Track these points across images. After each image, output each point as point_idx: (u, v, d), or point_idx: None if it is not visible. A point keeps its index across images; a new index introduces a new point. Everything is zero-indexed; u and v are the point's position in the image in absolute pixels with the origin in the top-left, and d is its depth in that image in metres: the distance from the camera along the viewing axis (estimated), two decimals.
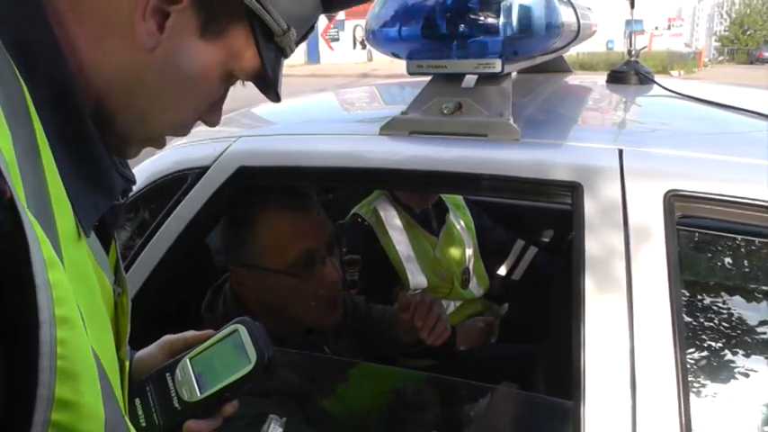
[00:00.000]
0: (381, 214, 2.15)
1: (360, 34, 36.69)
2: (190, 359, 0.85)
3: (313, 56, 40.25)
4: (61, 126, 0.54)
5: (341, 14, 38.51)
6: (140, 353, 0.93)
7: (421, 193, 2.16)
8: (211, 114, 0.70)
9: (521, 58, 1.34)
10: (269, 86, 0.69)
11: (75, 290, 0.49)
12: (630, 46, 1.81)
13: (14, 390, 0.45)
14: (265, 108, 2.11)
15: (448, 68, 1.29)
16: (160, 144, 0.70)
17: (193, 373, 0.84)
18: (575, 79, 2.14)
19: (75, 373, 0.47)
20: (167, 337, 0.95)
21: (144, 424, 0.83)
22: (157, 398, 0.84)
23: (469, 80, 1.33)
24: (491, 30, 1.24)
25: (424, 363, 1.95)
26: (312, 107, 2.14)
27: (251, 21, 0.63)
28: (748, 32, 47.81)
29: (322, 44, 40.16)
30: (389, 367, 1.56)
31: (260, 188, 1.48)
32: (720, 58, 50.05)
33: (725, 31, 54.56)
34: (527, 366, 1.80)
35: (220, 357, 0.84)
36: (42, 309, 0.44)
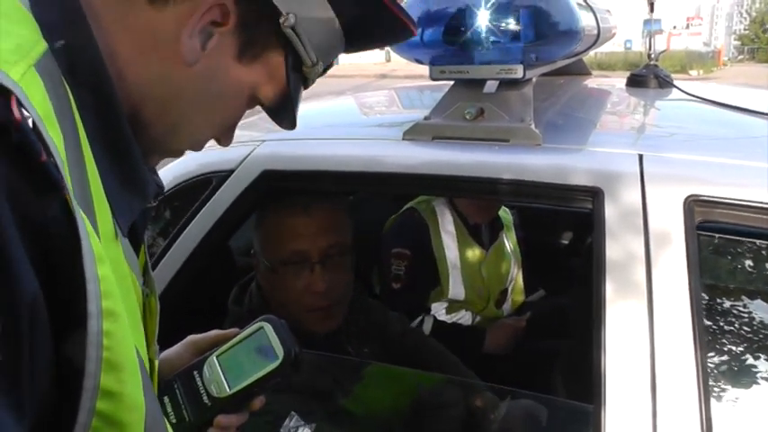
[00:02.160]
0: (439, 215, 2.16)
1: None
2: (217, 357, 0.87)
3: None
4: (102, 129, 0.57)
5: None
6: (166, 353, 0.95)
7: (479, 202, 2.17)
8: (226, 134, 0.73)
9: (541, 64, 1.36)
10: (288, 113, 0.72)
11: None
12: (650, 49, 1.81)
13: (63, 378, 0.47)
14: None
15: (470, 74, 1.30)
16: (179, 155, 0.73)
17: (221, 369, 0.86)
18: (594, 82, 2.14)
19: (119, 364, 0.49)
20: (192, 337, 0.97)
21: (174, 420, 0.85)
22: (186, 395, 0.86)
23: (491, 85, 1.35)
24: (512, 36, 1.25)
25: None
26: (333, 111, 2.17)
27: (285, 50, 0.66)
28: None
29: None
30: (407, 369, 1.57)
31: (284, 190, 1.51)
32: (740, 57, 49.64)
33: (745, 29, 54.11)
34: (550, 366, 1.81)
35: (247, 354, 0.86)
36: (91, 301, 0.46)
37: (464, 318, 2.19)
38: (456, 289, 2.13)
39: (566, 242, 2.75)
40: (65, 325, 0.46)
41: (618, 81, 1.95)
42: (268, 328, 0.87)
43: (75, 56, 0.55)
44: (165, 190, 1.54)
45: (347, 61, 37.69)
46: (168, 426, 0.68)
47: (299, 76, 0.69)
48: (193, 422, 0.84)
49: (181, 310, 1.43)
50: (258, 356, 0.85)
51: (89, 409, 0.47)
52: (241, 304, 1.56)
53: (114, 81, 0.58)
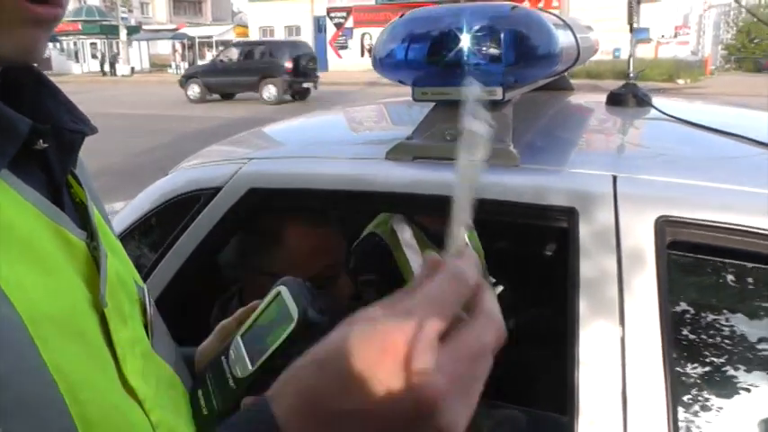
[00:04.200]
0: (398, 233, 2.19)
1: (368, 42, 36.80)
2: (240, 336, 0.81)
3: (321, 64, 40.32)
4: None
5: (349, 22, 38.63)
6: (201, 347, 0.93)
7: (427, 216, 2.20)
8: None
9: (521, 86, 1.40)
10: None
11: None
12: (629, 68, 1.86)
13: None
14: (276, 127, 2.17)
15: (451, 95, 1.34)
16: (40, 14, 0.55)
17: (245, 348, 0.79)
18: (577, 98, 2.19)
19: None
20: (222, 323, 0.93)
21: (206, 413, 0.78)
22: (215, 383, 0.80)
23: None
24: (492, 59, 1.30)
25: None
26: (320, 127, 2.21)
27: None
28: (755, 41, 47.73)
29: (330, 52, 40.28)
30: None
31: (275, 208, 1.55)
32: (727, 66, 49.96)
33: (731, 39, 54.54)
34: (531, 378, 1.85)
35: (268, 325, 0.79)
36: None
37: None
38: None
39: (549, 253, 2.78)
40: None
41: (599, 96, 2.00)
42: (284, 291, 0.78)
43: None
44: (155, 206, 1.59)
45: (336, 68, 37.79)
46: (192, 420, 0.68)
47: None
48: (220, 409, 0.77)
49: (169, 324, 1.46)
50: (277, 324, 0.77)
51: None
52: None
53: None
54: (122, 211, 1.78)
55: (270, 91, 20.56)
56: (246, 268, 1.59)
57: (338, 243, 1.56)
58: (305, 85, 21.12)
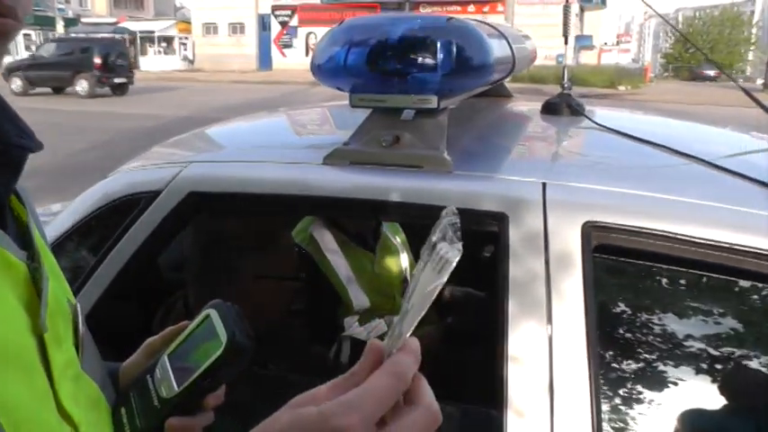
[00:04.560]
0: (318, 239, 2.20)
1: (312, 41, 36.66)
2: (167, 356, 0.80)
3: (265, 62, 40.08)
4: None
5: (294, 21, 38.43)
6: (126, 362, 0.91)
7: (359, 220, 2.23)
8: None
9: (456, 94, 1.44)
10: None
11: None
12: (563, 79, 1.91)
13: None
14: (217, 130, 2.18)
15: (388, 103, 1.37)
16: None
17: (171, 368, 0.79)
18: (514, 105, 2.25)
19: None
20: (149, 340, 0.92)
21: (128, 431, 0.78)
22: (140, 402, 0.79)
23: (408, 113, 1.42)
24: (428, 68, 1.33)
25: None
26: (263, 131, 2.21)
27: None
28: (690, 51, 49.25)
29: (274, 51, 40.02)
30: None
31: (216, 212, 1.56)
32: (665, 74, 51.43)
33: (669, 48, 56.14)
34: (466, 374, 1.90)
35: (195, 347, 0.79)
36: None
37: (379, 327, 2.25)
38: (359, 299, 2.17)
39: (488, 255, 2.84)
40: None
41: (535, 105, 2.05)
42: (214, 314, 0.78)
43: None
44: (95, 209, 1.58)
45: (280, 67, 37.55)
46: None
47: None
48: (144, 428, 0.77)
49: (108, 330, 1.45)
50: (205, 347, 0.77)
51: None
52: (164, 326, 1.58)
53: None
54: (62, 214, 1.76)
55: (82, 85, 22.20)
56: (228, 271, 1.60)
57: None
58: (117, 80, 22.59)
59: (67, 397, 0.61)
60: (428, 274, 0.55)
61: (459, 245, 0.54)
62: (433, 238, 0.56)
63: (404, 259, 2.36)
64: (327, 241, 2.19)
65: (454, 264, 0.54)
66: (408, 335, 0.58)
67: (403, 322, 0.57)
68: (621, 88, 28.17)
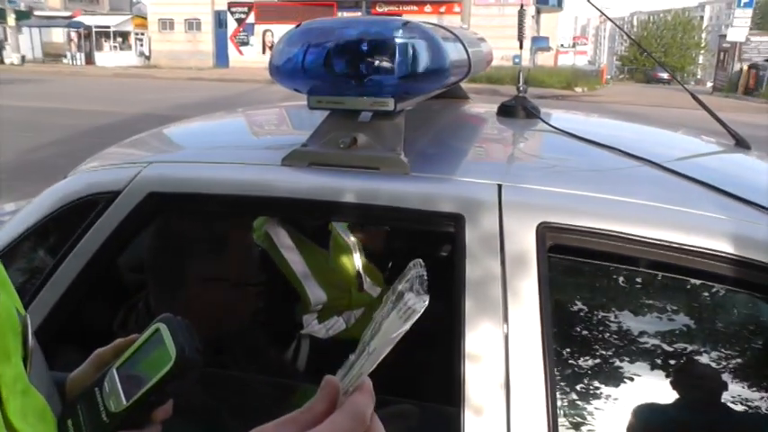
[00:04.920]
0: (273, 237, 2.21)
1: (270, 39, 36.46)
2: (116, 369, 0.81)
3: (222, 59, 39.72)
4: None
5: (251, 18, 38.14)
6: (74, 373, 0.90)
7: (318, 221, 2.24)
8: None
9: (412, 97, 1.46)
10: None
11: None
12: (519, 82, 1.95)
13: None
14: (176, 129, 2.16)
15: (345, 105, 1.38)
16: None
17: (120, 382, 0.79)
18: (470, 107, 2.27)
19: None
20: (98, 351, 0.91)
21: None
22: (88, 415, 0.79)
23: (366, 115, 1.43)
24: (385, 70, 1.34)
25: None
26: (221, 131, 2.21)
27: None
28: (644, 54, 50.21)
29: (231, 48, 39.69)
30: (290, 381, 1.64)
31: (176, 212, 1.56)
32: (621, 76, 52.31)
33: (625, 51, 57.15)
34: (426, 373, 1.92)
35: (144, 361, 0.79)
36: None
37: (338, 324, 2.26)
38: (316, 294, 2.19)
39: (445, 254, 2.86)
40: None
41: (491, 107, 2.08)
42: (164, 328, 0.79)
43: None
44: (53, 209, 1.56)
45: (237, 65, 37.24)
46: None
47: None
48: None
49: (66, 332, 1.44)
50: (154, 361, 0.78)
51: None
52: (126, 328, 1.57)
53: None
54: (18, 215, 1.73)
55: None
56: (182, 273, 1.59)
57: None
58: None
59: (15, 413, 0.60)
60: (393, 320, 0.58)
61: (426, 297, 0.57)
62: (400, 287, 0.59)
63: (356, 257, 2.38)
64: (282, 238, 2.20)
65: (419, 313, 0.57)
66: (366, 374, 0.60)
67: (363, 363, 0.60)
68: (578, 90, 28.58)
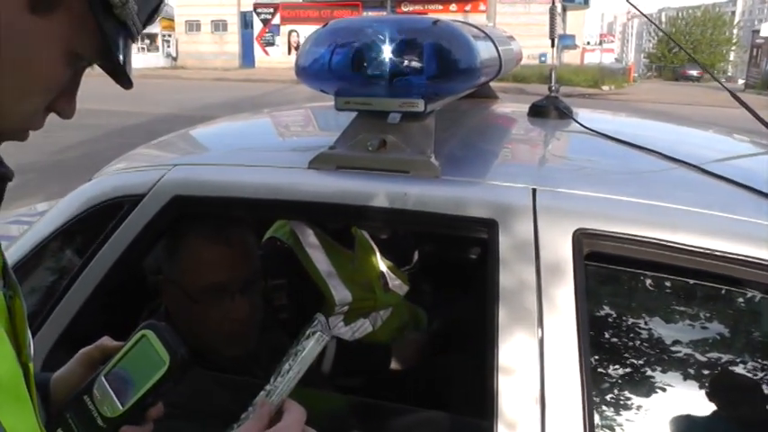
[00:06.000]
0: (299, 235, 2.18)
1: (295, 39, 36.63)
2: (104, 376, 0.85)
3: (248, 60, 39.95)
4: None
5: (276, 19, 38.33)
6: (59, 372, 0.92)
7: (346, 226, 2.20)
8: (63, 102, 0.64)
9: (442, 97, 1.41)
10: (118, 71, 0.64)
11: None
12: (551, 81, 1.89)
13: None
14: (202, 131, 2.14)
15: (374, 106, 1.34)
16: (19, 137, 0.64)
17: (110, 388, 0.83)
18: (500, 108, 2.22)
19: None
20: (83, 350, 0.94)
21: None
22: (80, 423, 0.83)
23: (394, 117, 1.39)
24: (414, 70, 1.30)
25: (356, 382, 2.00)
26: (247, 133, 2.18)
27: None
28: (673, 51, 49.63)
29: (257, 48, 39.90)
30: (314, 390, 1.60)
31: (195, 216, 1.52)
32: (649, 74, 51.78)
33: (653, 48, 56.53)
34: (454, 381, 1.87)
35: (134, 366, 0.84)
36: None
37: (364, 327, 2.23)
38: (341, 294, 2.15)
39: (473, 256, 2.82)
40: None
41: (521, 107, 2.03)
42: (150, 334, 0.84)
43: None
44: (79, 212, 1.54)
45: (263, 65, 37.43)
46: None
47: (114, 22, 0.60)
48: None
49: (92, 334, 1.42)
50: (145, 365, 0.83)
51: None
52: None
53: None
54: (46, 215, 1.73)
55: None
56: (162, 270, 1.57)
57: (237, 262, 1.51)
58: None
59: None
60: (313, 347, 0.84)
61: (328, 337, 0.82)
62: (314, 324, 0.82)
63: (379, 258, 2.35)
64: (309, 236, 2.17)
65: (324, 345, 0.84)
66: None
67: (285, 381, 0.81)
68: (605, 88, 28.28)
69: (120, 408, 0.82)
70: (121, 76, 0.65)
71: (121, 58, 0.62)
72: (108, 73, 0.65)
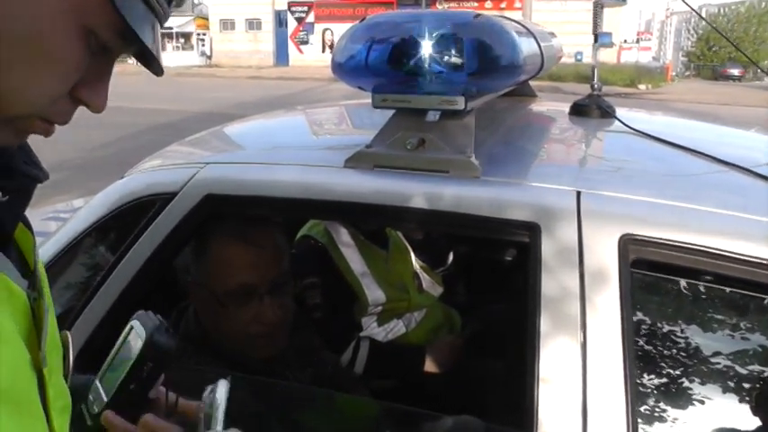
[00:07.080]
0: (333, 233, 2.16)
1: (329, 37, 36.74)
2: (98, 380, 0.86)
3: (282, 58, 40.16)
4: None
5: (310, 17, 38.48)
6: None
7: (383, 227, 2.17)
8: (88, 91, 0.58)
9: (483, 95, 1.37)
10: (146, 54, 0.59)
11: None
12: (593, 79, 1.83)
13: None
14: (236, 128, 2.12)
15: (412, 103, 1.30)
16: (41, 130, 0.58)
17: (102, 388, 0.84)
18: (539, 106, 2.17)
19: None
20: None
21: None
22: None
23: (433, 114, 1.35)
24: (454, 67, 1.26)
25: (388, 384, 1.97)
26: (280, 130, 2.16)
27: None
28: (713, 49, 48.74)
29: (291, 47, 40.09)
30: (347, 395, 1.57)
31: (226, 215, 1.50)
32: (687, 73, 50.91)
33: (692, 46, 55.58)
34: (488, 387, 1.83)
35: (120, 359, 0.84)
36: None
37: (398, 328, 2.20)
38: (374, 293, 2.13)
39: (509, 258, 2.76)
40: None
41: (561, 106, 1.98)
42: (136, 324, 0.85)
43: None
44: (111, 209, 1.53)
45: (297, 63, 37.60)
46: None
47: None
48: None
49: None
50: (127, 354, 0.83)
51: None
52: (177, 330, 1.53)
53: None
54: (80, 212, 1.72)
55: None
56: (189, 272, 1.55)
57: (267, 264, 1.48)
58: None
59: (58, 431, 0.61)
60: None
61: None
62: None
63: (414, 258, 2.31)
64: (342, 235, 2.15)
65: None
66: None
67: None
68: (642, 87, 27.85)
69: (105, 399, 0.82)
70: (150, 59, 0.60)
71: (147, 40, 0.56)
72: (136, 57, 0.61)
